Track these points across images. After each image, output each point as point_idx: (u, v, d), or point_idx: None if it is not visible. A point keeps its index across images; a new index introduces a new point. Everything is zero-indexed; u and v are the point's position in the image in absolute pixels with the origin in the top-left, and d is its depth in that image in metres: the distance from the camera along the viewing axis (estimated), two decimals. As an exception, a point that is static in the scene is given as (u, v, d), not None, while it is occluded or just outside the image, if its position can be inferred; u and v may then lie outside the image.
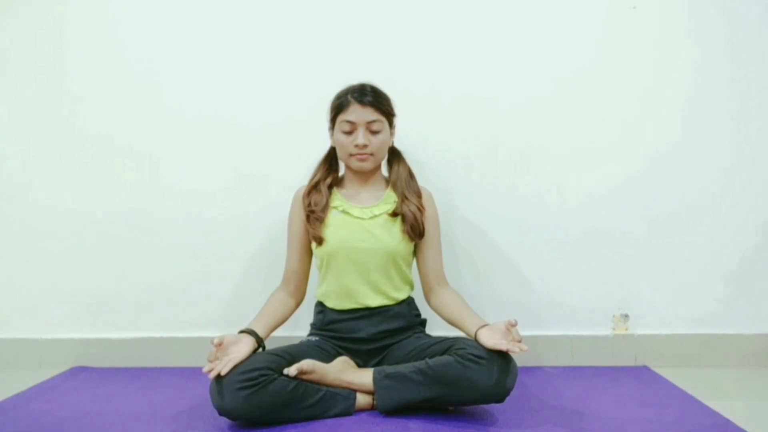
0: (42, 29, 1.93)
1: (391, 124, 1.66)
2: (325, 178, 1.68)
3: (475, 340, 1.44)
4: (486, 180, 1.92)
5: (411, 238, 1.63)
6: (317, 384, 1.43)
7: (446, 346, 1.47)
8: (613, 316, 1.92)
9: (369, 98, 1.59)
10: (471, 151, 1.92)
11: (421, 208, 1.64)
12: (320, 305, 1.67)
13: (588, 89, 1.90)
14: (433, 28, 1.91)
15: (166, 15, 1.92)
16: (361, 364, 1.59)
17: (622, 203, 1.91)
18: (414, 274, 1.72)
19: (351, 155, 1.61)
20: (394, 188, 1.68)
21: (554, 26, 1.90)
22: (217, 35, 1.92)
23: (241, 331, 1.49)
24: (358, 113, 1.58)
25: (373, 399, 1.46)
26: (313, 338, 1.62)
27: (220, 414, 1.35)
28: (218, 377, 1.34)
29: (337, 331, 1.61)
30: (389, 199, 1.67)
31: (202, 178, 1.94)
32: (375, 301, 1.60)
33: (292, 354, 1.46)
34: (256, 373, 1.33)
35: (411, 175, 1.70)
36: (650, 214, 1.91)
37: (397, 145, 1.74)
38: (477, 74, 1.91)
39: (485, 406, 1.49)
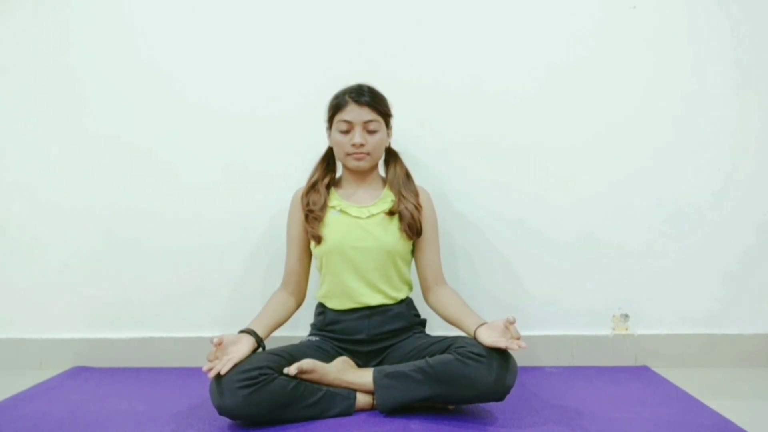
0: (47, 27, 1.93)
1: (387, 125, 1.67)
2: (323, 178, 1.69)
3: (474, 338, 1.44)
4: (485, 179, 1.92)
5: (409, 237, 1.63)
6: (317, 384, 1.43)
7: (446, 344, 1.47)
8: (613, 316, 1.92)
9: (366, 98, 1.60)
10: (470, 150, 1.92)
11: (418, 206, 1.65)
12: (321, 306, 1.67)
13: (586, 90, 1.90)
14: (432, 25, 1.91)
15: (171, 14, 1.92)
16: (362, 364, 1.59)
17: (622, 203, 1.91)
18: (413, 275, 1.73)
19: (348, 154, 1.62)
20: (391, 188, 1.68)
21: (555, 25, 1.90)
22: (221, 32, 1.93)
23: (241, 331, 1.49)
24: (355, 113, 1.59)
25: (374, 399, 1.46)
26: (313, 338, 1.62)
27: (220, 413, 1.35)
28: (218, 376, 1.34)
29: (337, 331, 1.61)
30: (386, 199, 1.67)
31: (201, 176, 1.94)
32: (374, 299, 1.60)
33: (292, 354, 1.47)
34: (256, 372, 1.34)
35: (408, 175, 1.71)
36: (650, 213, 1.91)
37: (395, 145, 1.74)
38: (476, 73, 1.91)
39: (485, 406, 1.49)
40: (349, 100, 1.60)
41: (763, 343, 1.89)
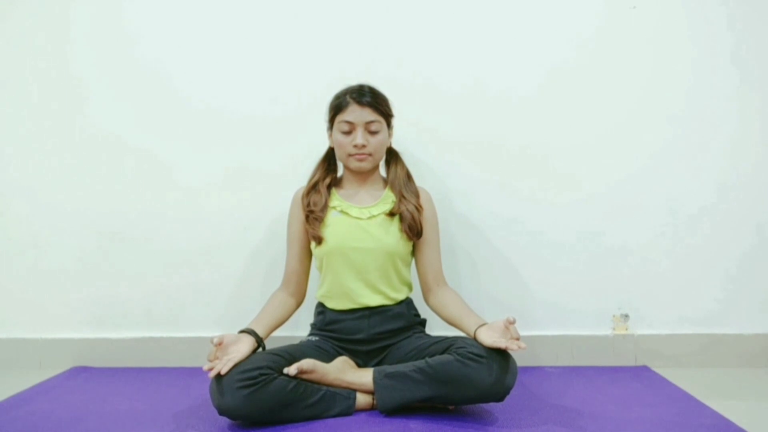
0: (47, 27, 1.93)
1: (389, 125, 1.67)
2: (323, 179, 1.69)
3: (474, 339, 1.44)
4: (486, 179, 1.92)
5: (409, 238, 1.63)
6: (317, 384, 1.43)
7: (446, 345, 1.47)
8: (613, 316, 1.92)
9: (367, 98, 1.59)
10: (470, 150, 1.92)
11: (419, 208, 1.65)
12: (320, 306, 1.67)
13: (586, 90, 1.90)
14: (433, 25, 1.91)
15: (171, 15, 1.92)
16: (361, 364, 1.59)
17: (622, 203, 1.91)
18: (413, 276, 1.72)
19: (350, 155, 1.62)
20: (392, 188, 1.68)
21: (555, 24, 1.90)
22: (220, 32, 1.92)
23: (241, 331, 1.49)
24: (356, 113, 1.59)
25: (374, 399, 1.46)
26: (313, 338, 1.62)
27: (220, 413, 1.35)
28: (218, 376, 1.34)
29: (337, 331, 1.61)
30: (387, 199, 1.67)
31: (201, 176, 1.94)
32: (374, 301, 1.60)
33: (292, 354, 1.47)
34: (256, 372, 1.34)
35: (408, 175, 1.71)
36: (650, 213, 1.91)
37: (396, 144, 1.74)
38: (477, 72, 1.91)
39: (485, 406, 1.49)
40: (351, 101, 1.59)
41: (763, 343, 1.89)
